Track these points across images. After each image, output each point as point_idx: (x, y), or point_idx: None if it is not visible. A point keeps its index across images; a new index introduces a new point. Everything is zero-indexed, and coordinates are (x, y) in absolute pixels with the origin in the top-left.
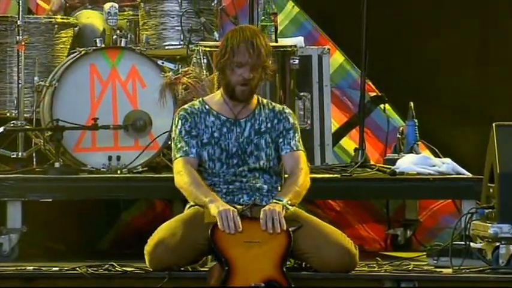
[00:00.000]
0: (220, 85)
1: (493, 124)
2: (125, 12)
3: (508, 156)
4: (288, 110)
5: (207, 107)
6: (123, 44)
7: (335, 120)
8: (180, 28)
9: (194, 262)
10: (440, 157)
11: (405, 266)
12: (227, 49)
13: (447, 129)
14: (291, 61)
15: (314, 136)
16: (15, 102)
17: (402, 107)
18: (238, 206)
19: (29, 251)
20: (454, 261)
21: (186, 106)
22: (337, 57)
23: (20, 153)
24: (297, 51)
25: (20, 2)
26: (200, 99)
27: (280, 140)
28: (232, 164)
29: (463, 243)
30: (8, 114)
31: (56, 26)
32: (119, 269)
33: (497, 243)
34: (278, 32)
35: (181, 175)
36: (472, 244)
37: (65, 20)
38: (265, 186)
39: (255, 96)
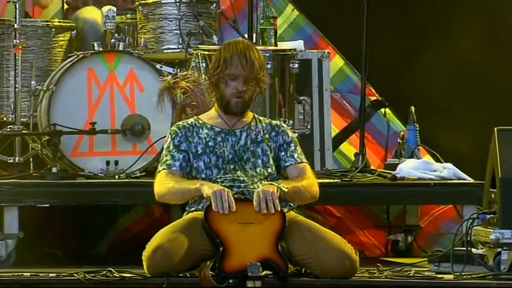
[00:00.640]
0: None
1: (495, 129)
2: (123, 16)
3: (509, 161)
4: (285, 125)
5: (200, 121)
6: (121, 48)
7: (334, 125)
8: (178, 32)
9: (192, 268)
10: (441, 162)
11: (406, 272)
12: (220, 62)
13: (448, 134)
14: (291, 65)
15: (314, 141)
16: (12, 106)
17: (403, 111)
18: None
19: (26, 256)
20: (455, 267)
21: (179, 122)
22: (337, 62)
23: (17, 158)
24: (297, 55)
25: (17, 5)
26: (195, 116)
27: (282, 153)
28: (230, 169)
29: (464, 249)
30: (5, 119)
31: (53, 29)
32: (117, 275)
33: (499, 249)
34: (277, 36)
35: (163, 184)
36: (473, 250)
37: (62, 24)
38: None
39: (250, 113)
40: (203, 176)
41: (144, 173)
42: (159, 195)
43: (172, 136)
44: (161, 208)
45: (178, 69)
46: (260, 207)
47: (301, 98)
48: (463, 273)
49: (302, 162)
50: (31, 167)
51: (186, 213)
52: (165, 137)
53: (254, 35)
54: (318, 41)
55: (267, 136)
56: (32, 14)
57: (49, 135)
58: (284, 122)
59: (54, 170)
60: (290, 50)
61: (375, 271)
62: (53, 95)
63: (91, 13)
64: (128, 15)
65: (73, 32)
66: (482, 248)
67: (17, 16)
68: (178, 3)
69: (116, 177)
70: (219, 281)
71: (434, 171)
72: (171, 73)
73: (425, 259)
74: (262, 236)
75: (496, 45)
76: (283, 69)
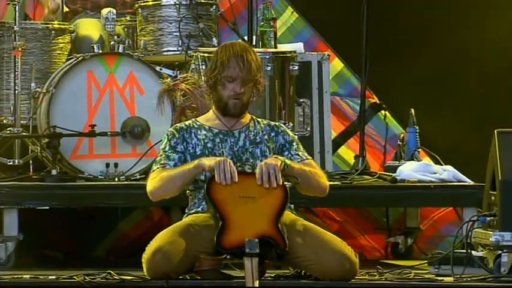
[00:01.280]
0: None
1: (495, 131)
2: (123, 18)
3: (510, 163)
4: (284, 126)
5: (198, 123)
6: (120, 50)
7: (332, 129)
8: (178, 34)
9: (192, 270)
10: (441, 164)
11: (406, 274)
12: (217, 64)
13: (448, 136)
14: (291, 67)
15: (314, 143)
16: (11, 108)
17: (401, 114)
18: None
19: (26, 259)
20: (456, 270)
21: (176, 124)
22: (336, 65)
23: (16, 161)
24: (297, 57)
25: (17, 7)
26: (192, 119)
27: (286, 152)
28: None
29: (464, 251)
30: (4, 121)
31: (53, 31)
32: (117, 277)
33: (499, 252)
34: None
35: (155, 179)
36: (473, 252)
37: (62, 26)
38: None
39: (248, 115)
40: (201, 177)
41: (143, 176)
42: (152, 191)
43: (169, 137)
44: (161, 211)
45: (178, 72)
46: (262, 180)
47: (301, 100)
48: (463, 276)
49: (308, 158)
50: (31, 170)
51: (186, 215)
52: None
53: (254, 37)
54: (317, 44)
55: (266, 137)
56: (33, 16)
57: (49, 138)
58: (284, 124)
59: (53, 172)
60: (290, 52)
61: (375, 273)
62: (52, 98)
63: (87, 28)
64: (128, 18)
65: (73, 34)
66: (482, 250)
67: (17, 18)
68: (178, 6)
69: (116, 179)
70: (216, 255)
71: (434, 173)
72: (170, 75)
73: (426, 261)
74: (262, 211)
75: (492, 49)
76: (283, 72)
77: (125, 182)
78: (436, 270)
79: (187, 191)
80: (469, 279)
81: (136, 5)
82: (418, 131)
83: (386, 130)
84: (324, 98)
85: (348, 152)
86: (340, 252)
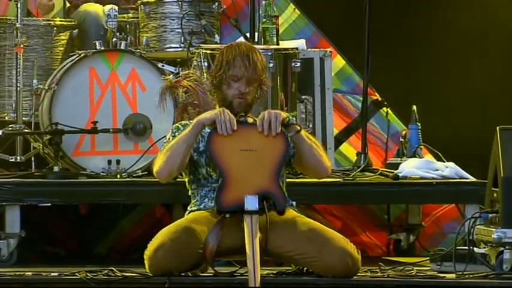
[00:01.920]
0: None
1: (498, 128)
2: (125, 15)
3: None
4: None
5: None
6: (122, 47)
7: (334, 125)
8: (180, 30)
9: (194, 267)
10: (443, 161)
11: (408, 271)
12: (223, 63)
13: (450, 133)
14: (293, 64)
15: None
16: (13, 105)
17: (403, 111)
18: None
19: (28, 256)
20: (458, 267)
21: (181, 121)
22: (338, 62)
23: (18, 157)
24: (299, 54)
25: (19, 4)
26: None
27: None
28: None
29: (466, 248)
30: (6, 118)
31: (55, 28)
32: (119, 274)
33: (501, 248)
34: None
35: (160, 157)
36: (475, 249)
37: (64, 23)
38: None
39: (252, 117)
40: (203, 172)
41: (145, 172)
42: (158, 170)
43: (174, 130)
44: (163, 209)
45: (180, 68)
46: (263, 127)
47: (303, 97)
48: (465, 273)
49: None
50: (33, 166)
51: (188, 213)
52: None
53: (256, 34)
54: (319, 40)
55: None
56: (36, 13)
57: (51, 135)
58: None
59: (55, 169)
60: (292, 49)
61: (377, 270)
62: (54, 94)
63: (93, 7)
64: (130, 14)
65: (74, 31)
66: (484, 247)
67: (19, 15)
68: (180, 2)
69: (118, 176)
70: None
71: (437, 170)
72: (172, 72)
73: (428, 258)
74: (263, 164)
75: (493, 45)
76: (285, 68)
77: (127, 179)
78: (438, 267)
79: (190, 190)
80: (471, 276)
81: (139, 2)
82: (420, 127)
83: (388, 127)
84: (326, 95)
85: (349, 149)
86: (342, 249)
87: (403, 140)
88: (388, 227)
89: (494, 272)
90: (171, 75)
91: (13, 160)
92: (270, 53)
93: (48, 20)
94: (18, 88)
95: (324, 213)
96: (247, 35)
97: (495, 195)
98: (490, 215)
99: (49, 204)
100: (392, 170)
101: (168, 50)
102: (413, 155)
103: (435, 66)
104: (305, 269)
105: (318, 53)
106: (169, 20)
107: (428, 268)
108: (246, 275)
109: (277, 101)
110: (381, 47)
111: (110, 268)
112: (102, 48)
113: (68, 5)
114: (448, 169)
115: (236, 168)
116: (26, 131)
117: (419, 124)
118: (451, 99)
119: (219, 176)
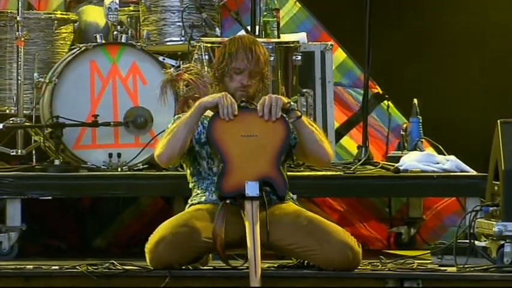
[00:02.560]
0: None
1: (498, 121)
2: (126, 8)
3: None
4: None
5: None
6: (123, 40)
7: (335, 119)
8: (181, 24)
9: (195, 260)
10: (444, 154)
11: (409, 264)
12: (225, 56)
13: (451, 126)
14: (294, 57)
15: None
16: (14, 98)
17: (404, 104)
18: None
19: (29, 249)
20: (459, 260)
21: (183, 112)
22: (339, 55)
23: (19, 151)
24: (300, 47)
25: None
26: None
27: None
28: None
29: (467, 241)
30: (7, 111)
31: (56, 21)
32: (119, 268)
33: (502, 242)
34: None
35: (161, 141)
36: (476, 242)
37: (64, 16)
38: None
39: (253, 103)
40: (204, 163)
41: (146, 166)
42: (159, 154)
43: (175, 120)
44: (163, 202)
45: (181, 62)
46: (263, 112)
47: (304, 90)
48: (466, 266)
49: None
50: (34, 160)
51: (188, 206)
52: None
53: (257, 27)
54: (320, 34)
55: None
56: (37, 6)
57: (52, 128)
58: None
59: (56, 162)
60: (293, 42)
61: (377, 263)
62: (55, 88)
63: (92, 15)
64: (131, 8)
65: (76, 24)
66: (485, 241)
67: (20, 8)
68: None
69: (119, 169)
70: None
71: (437, 163)
72: (173, 65)
73: (429, 251)
74: (264, 150)
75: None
76: (286, 62)
77: (128, 172)
78: (439, 260)
79: (190, 183)
80: (472, 269)
81: None
82: (421, 121)
83: (389, 120)
84: (327, 88)
85: (350, 142)
86: (343, 242)
87: (404, 133)
88: (389, 220)
89: (495, 265)
90: (172, 69)
91: (14, 153)
92: (270, 46)
93: (49, 14)
94: (19, 81)
95: (324, 206)
96: (248, 28)
97: (496, 188)
98: (491, 208)
99: (50, 198)
100: (393, 163)
101: (168, 43)
102: (414, 148)
103: (436, 59)
104: (306, 262)
105: (318, 46)
106: (170, 13)
107: (429, 261)
108: (247, 270)
109: (278, 94)
110: (381, 40)
111: (110, 261)
112: (103, 41)
113: None
114: (449, 162)
115: (237, 154)
116: (27, 124)
117: (420, 117)
118: (452, 92)
119: (220, 162)
